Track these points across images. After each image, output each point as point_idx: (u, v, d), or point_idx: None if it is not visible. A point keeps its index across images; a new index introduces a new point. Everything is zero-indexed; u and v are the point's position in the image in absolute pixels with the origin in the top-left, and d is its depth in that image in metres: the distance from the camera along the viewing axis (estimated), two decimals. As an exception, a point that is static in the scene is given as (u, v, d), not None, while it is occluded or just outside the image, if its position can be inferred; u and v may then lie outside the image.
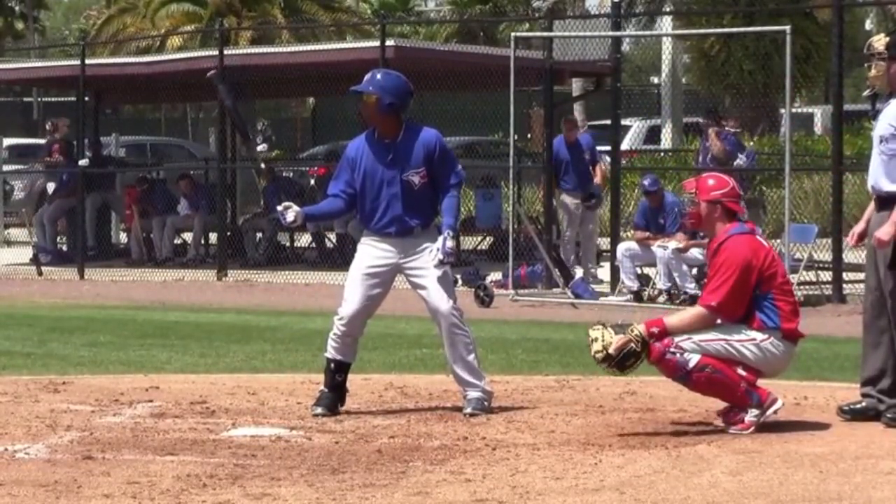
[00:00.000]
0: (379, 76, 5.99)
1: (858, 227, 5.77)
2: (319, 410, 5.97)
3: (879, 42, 5.69)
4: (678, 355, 5.39)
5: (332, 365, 6.02)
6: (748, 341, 5.44)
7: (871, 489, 4.59)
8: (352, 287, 5.95)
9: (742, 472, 4.83)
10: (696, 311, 5.56)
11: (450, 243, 5.83)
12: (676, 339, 5.42)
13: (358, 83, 6.00)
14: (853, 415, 5.67)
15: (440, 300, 5.87)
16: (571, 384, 6.84)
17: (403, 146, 5.88)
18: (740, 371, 5.43)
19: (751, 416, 5.46)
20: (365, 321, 6.00)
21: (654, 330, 5.43)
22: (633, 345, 5.39)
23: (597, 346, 5.45)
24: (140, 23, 24.04)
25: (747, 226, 5.65)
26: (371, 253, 5.96)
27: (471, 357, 5.96)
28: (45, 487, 4.65)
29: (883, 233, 5.47)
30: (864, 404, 5.67)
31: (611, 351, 5.41)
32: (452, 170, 5.96)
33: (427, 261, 5.90)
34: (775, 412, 5.46)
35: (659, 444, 5.30)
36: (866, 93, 5.85)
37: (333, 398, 6.02)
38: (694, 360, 5.39)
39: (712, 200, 5.58)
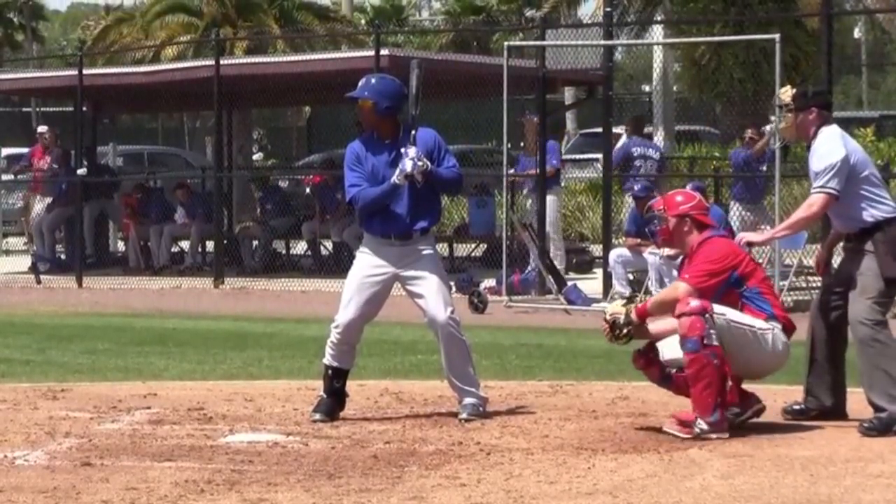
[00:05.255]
0: (374, 81, 6.05)
1: (821, 257, 6.02)
2: (318, 416, 6.02)
3: (786, 94, 5.84)
4: (708, 325, 5.42)
5: (330, 371, 6.07)
6: (767, 330, 5.53)
7: (861, 492, 4.64)
8: (349, 295, 5.99)
9: (733, 475, 4.88)
10: (671, 286, 5.72)
11: (419, 163, 5.79)
12: (717, 309, 5.45)
13: (353, 90, 6.07)
14: (794, 415, 5.85)
15: (438, 309, 5.91)
16: (565, 389, 6.89)
17: (404, 145, 5.94)
18: (727, 385, 5.48)
19: (697, 426, 5.48)
20: (362, 329, 6.05)
21: (634, 314, 5.63)
22: (620, 317, 5.64)
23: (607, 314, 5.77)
24: (137, 33, 24.10)
25: (723, 232, 5.81)
26: (369, 262, 6.00)
27: (467, 364, 6.01)
28: (44, 494, 4.69)
29: (751, 235, 5.83)
30: (804, 407, 5.88)
31: (606, 317, 5.70)
32: (453, 165, 6.03)
33: (424, 268, 5.94)
34: (717, 439, 5.45)
35: (651, 449, 5.35)
36: (777, 144, 6.04)
37: (332, 404, 6.07)
38: (714, 341, 5.43)
39: (681, 215, 5.70)
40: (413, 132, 5.96)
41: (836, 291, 5.75)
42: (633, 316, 5.63)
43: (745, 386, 5.73)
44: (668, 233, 5.73)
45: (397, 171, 5.88)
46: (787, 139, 6.01)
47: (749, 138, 12.21)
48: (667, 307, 5.62)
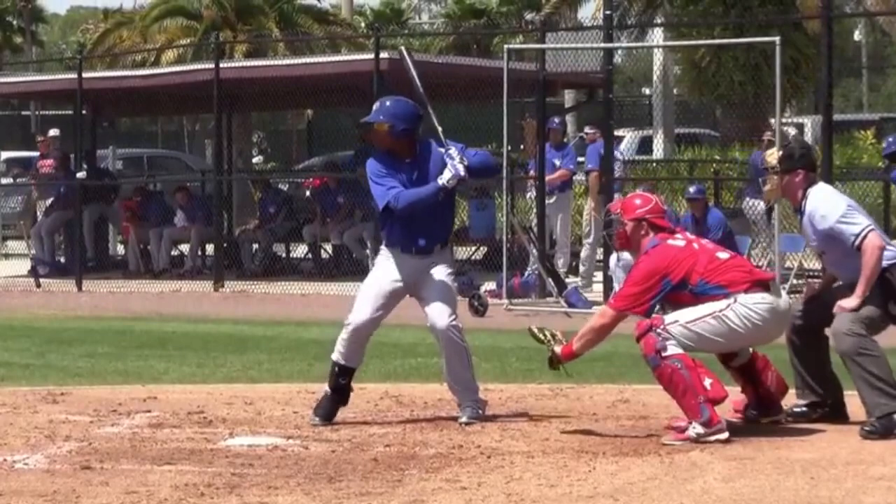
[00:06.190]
0: (388, 103, 6.04)
1: (815, 290, 6.04)
2: (317, 420, 6.04)
3: (772, 156, 5.87)
4: (660, 338, 5.47)
5: (337, 368, 6.10)
6: (727, 307, 5.50)
7: (862, 494, 4.65)
8: (366, 296, 6.01)
9: (734, 478, 4.89)
10: (595, 316, 5.75)
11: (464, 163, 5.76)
12: (667, 320, 5.51)
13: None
14: (795, 417, 5.89)
15: (439, 315, 5.94)
16: (565, 392, 6.89)
17: (423, 162, 5.97)
18: (707, 383, 5.47)
19: (692, 430, 5.47)
20: (372, 331, 6.09)
21: (560, 352, 5.69)
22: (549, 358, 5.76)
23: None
24: (136, 36, 24.14)
25: (657, 237, 5.71)
26: (392, 270, 6.02)
27: (466, 369, 6.04)
28: (43, 497, 4.70)
29: (847, 303, 5.63)
30: (806, 409, 5.93)
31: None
32: (474, 153, 6.00)
33: (435, 276, 5.96)
34: (717, 441, 5.44)
35: (652, 451, 5.35)
36: (763, 207, 5.95)
37: (333, 403, 6.08)
38: (672, 350, 5.47)
39: (637, 218, 5.72)
40: (440, 129, 5.94)
41: (824, 301, 5.76)
42: (558, 354, 5.71)
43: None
44: (626, 236, 5.75)
45: (448, 175, 5.85)
46: (772, 200, 6.02)
47: (768, 140, 12.22)
48: (596, 337, 5.67)
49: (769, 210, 5.65)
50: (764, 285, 5.61)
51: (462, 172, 5.85)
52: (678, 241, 5.73)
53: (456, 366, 6.01)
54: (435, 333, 6.00)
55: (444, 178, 5.87)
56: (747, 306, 5.52)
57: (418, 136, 6.00)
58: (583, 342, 5.70)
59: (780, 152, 5.87)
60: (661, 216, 5.77)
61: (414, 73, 6.12)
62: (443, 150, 5.90)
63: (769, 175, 5.78)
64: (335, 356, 6.10)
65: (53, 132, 16.74)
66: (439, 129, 5.97)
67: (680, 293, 5.59)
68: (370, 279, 6.08)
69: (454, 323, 5.96)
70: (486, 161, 6.07)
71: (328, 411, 6.08)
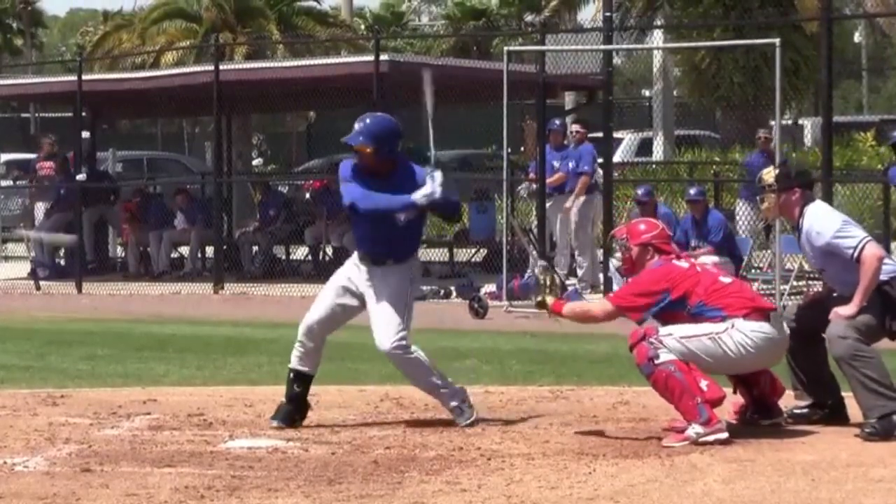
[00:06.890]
0: (368, 121, 5.94)
1: (813, 297, 6.14)
2: (275, 423, 5.99)
3: (769, 175, 5.90)
4: (652, 347, 5.50)
5: (291, 374, 6.03)
6: (724, 331, 5.52)
7: (863, 497, 4.65)
8: (320, 298, 6.01)
9: (734, 480, 4.89)
10: (597, 302, 5.84)
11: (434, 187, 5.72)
12: (661, 332, 5.55)
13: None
14: (795, 419, 5.91)
15: (382, 337, 5.89)
16: (565, 394, 6.90)
17: (399, 179, 5.88)
18: (703, 385, 5.49)
19: (691, 430, 5.48)
20: (325, 335, 6.00)
21: (552, 305, 5.81)
22: (539, 301, 5.88)
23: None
24: (136, 39, 24.17)
25: (661, 259, 5.78)
26: (349, 273, 6.01)
27: (431, 378, 5.97)
28: (43, 500, 4.70)
29: (843, 310, 5.64)
30: (807, 411, 5.95)
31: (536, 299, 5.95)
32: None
33: (382, 293, 5.87)
34: (716, 441, 5.45)
35: (652, 454, 5.36)
36: (761, 224, 6.00)
37: (291, 410, 6.01)
38: (664, 356, 5.49)
39: (643, 243, 5.77)
40: (432, 153, 5.90)
41: (822, 307, 5.77)
42: (549, 305, 5.83)
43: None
44: (631, 261, 5.81)
45: (422, 193, 5.78)
46: (769, 219, 6.06)
47: (764, 138, 12.21)
48: (582, 317, 5.81)
49: (767, 228, 5.69)
50: (764, 314, 5.62)
51: (438, 195, 5.76)
52: (682, 263, 5.80)
53: (418, 379, 5.98)
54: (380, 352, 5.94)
55: (418, 195, 5.79)
56: (744, 333, 5.55)
57: (398, 152, 5.93)
58: (572, 315, 5.82)
59: (777, 170, 5.92)
60: (667, 242, 5.83)
61: (429, 93, 6.08)
62: (428, 168, 5.82)
63: (766, 193, 5.82)
64: (291, 362, 6.04)
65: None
66: (431, 152, 5.88)
67: (677, 313, 5.62)
68: (329, 282, 6.05)
69: (396, 343, 5.86)
70: (457, 203, 6.00)
71: (287, 415, 6.00)
